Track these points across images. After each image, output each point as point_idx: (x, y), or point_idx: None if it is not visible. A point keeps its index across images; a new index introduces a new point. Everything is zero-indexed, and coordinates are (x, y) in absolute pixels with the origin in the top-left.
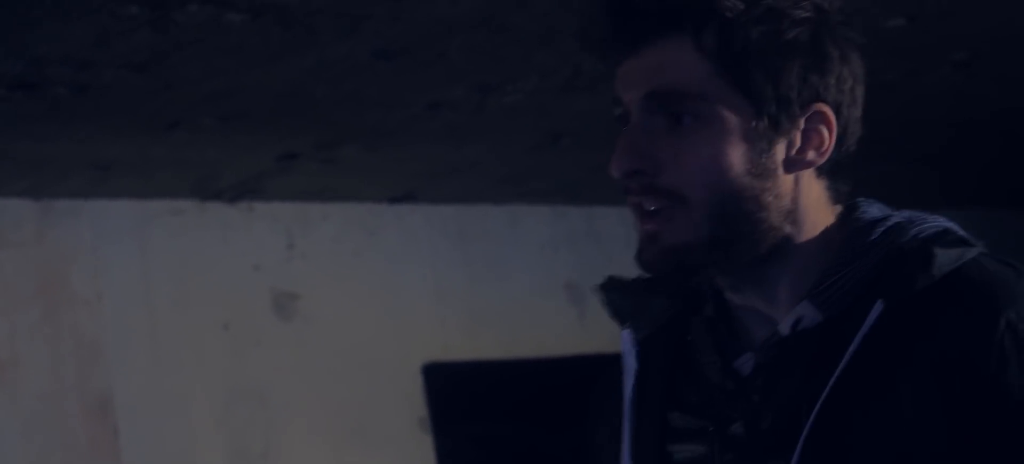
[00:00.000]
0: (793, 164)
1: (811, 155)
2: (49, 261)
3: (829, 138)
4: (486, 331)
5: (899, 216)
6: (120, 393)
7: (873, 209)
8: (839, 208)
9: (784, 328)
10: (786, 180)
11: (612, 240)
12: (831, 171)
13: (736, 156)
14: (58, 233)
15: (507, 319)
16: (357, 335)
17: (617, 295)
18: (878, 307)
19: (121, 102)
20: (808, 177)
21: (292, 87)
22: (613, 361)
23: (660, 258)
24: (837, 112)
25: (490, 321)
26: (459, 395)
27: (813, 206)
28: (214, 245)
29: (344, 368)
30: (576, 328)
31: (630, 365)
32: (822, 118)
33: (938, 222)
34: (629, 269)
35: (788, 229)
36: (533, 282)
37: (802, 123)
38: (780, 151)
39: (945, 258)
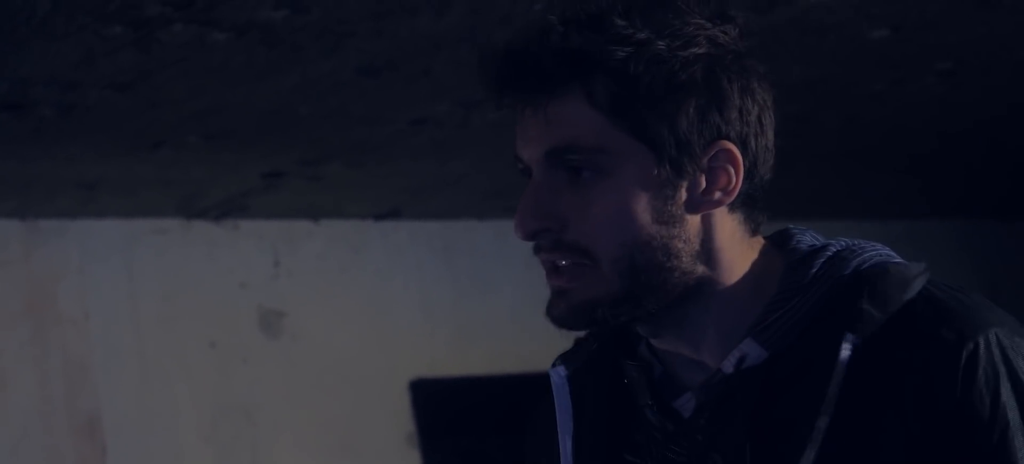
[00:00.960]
0: (700, 205)
1: (718, 195)
2: (36, 281)
3: (735, 175)
4: (473, 347)
5: (837, 245)
6: (108, 411)
7: (806, 237)
8: (759, 240)
9: (727, 366)
10: (694, 222)
11: None
12: (745, 204)
13: (640, 206)
14: (45, 253)
15: (494, 334)
16: (344, 352)
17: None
18: (849, 343)
19: (106, 122)
20: (719, 215)
21: (277, 105)
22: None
23: (569, 314)
24: (743, 146)
25: (477, 337)
26: (446, 411)
27: (728, 243)
28: (200, 263)
29: (331, 385)
30: (563, 343)
31: (564, 403)
32: (727, 156)
33: (878, 250)
34: None
35: (702, 270)
36: (520, 297)
37: (705, 163)
38: (684, 194)
39: (896, 292)
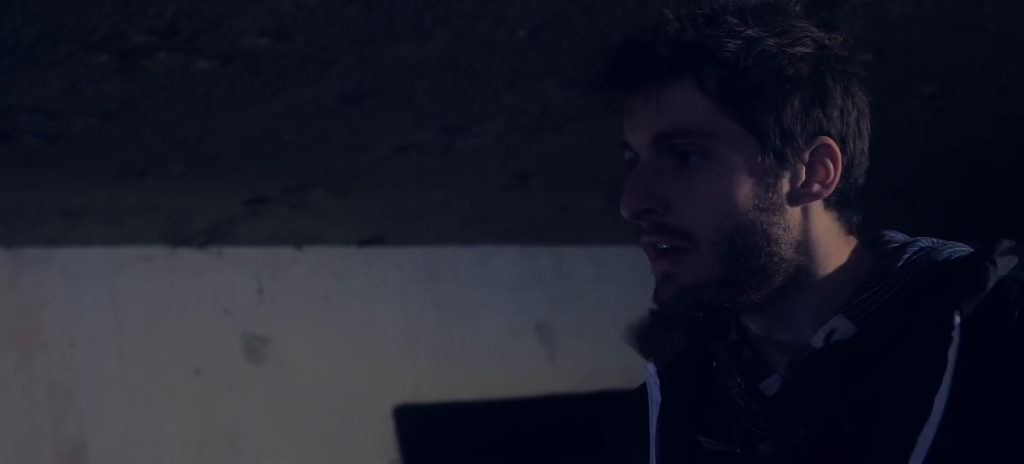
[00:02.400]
0: (800, 197)
1: (817, 187)
2: (21, 308)
3: (834, 170)
4: (457, 373)
5: (926, 241)
6: (94, 439)
7: (899, 236)
8: (853, 239)
9: (817, 340)
10: (794, 213)
11: (582, 280)
12: (839, 203)
13: (743, 192)
14: (30, 281)
15: (478, 360)
16: (328, 378)
17: (638, 334)
18: (958, 319)
19: (91, 150)
20: (816, 209)
21: (260, 132)
22: (612, 397)
23: (676, 298)
24: (842, 144)
25: (461, 363)
26: (430, 437)
27: (824, 237)
28: (185, 290)
29: (316, 411)
30: (546, 369)
31: (654, 397)
32: (827, 151)
33: (965, 247)
34: (597, 310)
35: (801, 260)
36: (503, 323)
37: (807, 156)
38: (786, 185)
39: (990, 274)
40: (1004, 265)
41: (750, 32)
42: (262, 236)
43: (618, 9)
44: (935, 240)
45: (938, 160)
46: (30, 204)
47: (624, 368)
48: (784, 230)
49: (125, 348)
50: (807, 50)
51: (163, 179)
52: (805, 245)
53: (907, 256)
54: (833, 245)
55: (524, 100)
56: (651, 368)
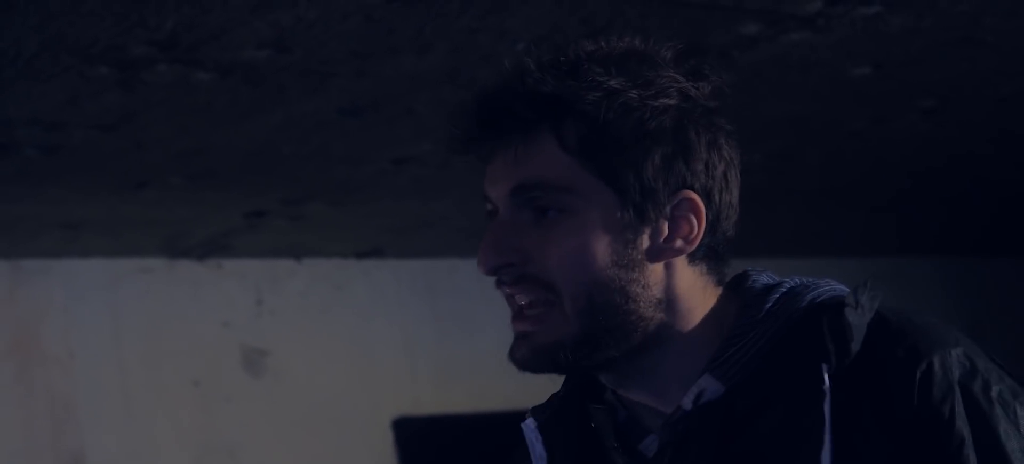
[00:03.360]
0: (661, 253)
1: (679, 243)
2: (21, 320)
3: (698, 226)
4: (456, 385)
5: (791, 282)
6: (93, 450)
7: (763, 277)
8: (720, 288)
9: (686, 402)
10: (655, 269)
11: None
12: (706, 256)
13: (601, 247)
14: (29, 293)
15: (477, 373)
16: (327, 390)
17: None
18: (825, 373)
19: (91, 162)
20: (681, 264)
21: (260, 145)
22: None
23: (532, 357)
24: (707, 199)
25: (460, 375)
26: (429, 449)
27: (687, 293)
28: (184, 302)
29: (314, 423)
30: (546, 381)
31: (538, 451)
32: (690, 206)
33: (830, 286)
34: None
35: (661, 317)
36: (503, 336)
37: (669, 211)
38: (646, 240)
39: (858, 321)
40: (870, 305)
41: (612, 83)
42: (261, 248)
43: (618, 22)
44: (798, 280)
45: (935, 174)
46: (30, 216)
47: None
48: (643, 287)
49: (124, 360)
50: (671, 102)
51: (162, 191)
52: (666, 302)
53: (769, 306)
54: (697, 300)
55: None
56: (531, 423)
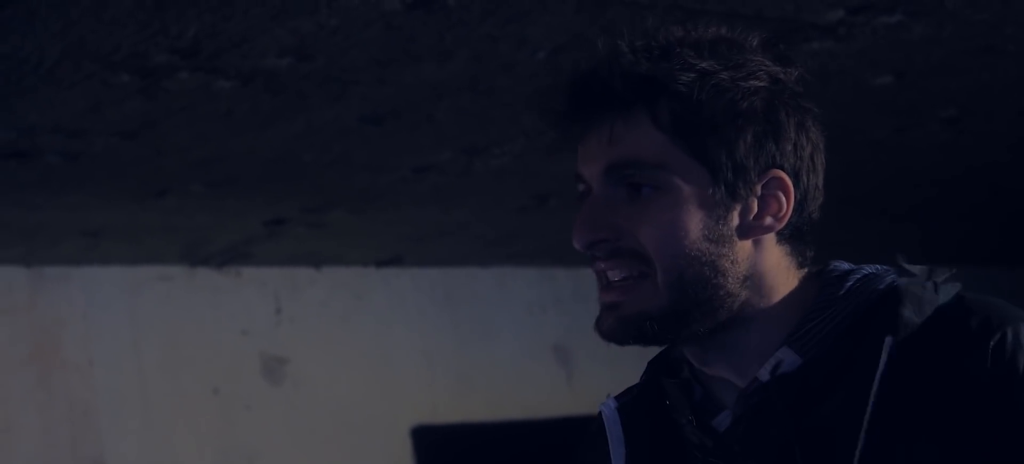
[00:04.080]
0: (751, 230)
1: (768, 221)
2: (41, 327)
3: (787, 204)
4: (474, 393)
5: (870, 268)
6: (112, 457)
7: (843, 265)
8: (803, 271)
9: (764, 374)
10: (744, 246)
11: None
12: (792, 236)
13: (693, 223)
14: (50, 299)
15: (495, 381)
16: (346, 398)
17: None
18: (889, 343)
19: (112, 169)
20: (768, 242)
21: (280, 152)
22: (589, 425)
23: (618, 327)
24: (795, 179)
25: (478, 383)
26: (448, 457)
27: (773, 271)
28: (203, 310)
29: (333, 431)
30: (564, 390)
31: (616, 433)
32: (779, 184)
33: (909, 273)
34: None
35: (746, 294)
36: (521, 344)
37: (759, 190)
38: (737, 217)
39: (930, 297)
40: (945, 292)
41: (704, 65)
42: (281, 256)
43: (638, 30)
44: (879, 267)
45: (956, 183)
46: (51, 223)
47: None
48: (732, 263)
49: (144, 367)
50: (761, 84)
51: (183, 199)
52: (752, 278)
53: (849, 284)
54: (781, 279)
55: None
56: (611, 404)
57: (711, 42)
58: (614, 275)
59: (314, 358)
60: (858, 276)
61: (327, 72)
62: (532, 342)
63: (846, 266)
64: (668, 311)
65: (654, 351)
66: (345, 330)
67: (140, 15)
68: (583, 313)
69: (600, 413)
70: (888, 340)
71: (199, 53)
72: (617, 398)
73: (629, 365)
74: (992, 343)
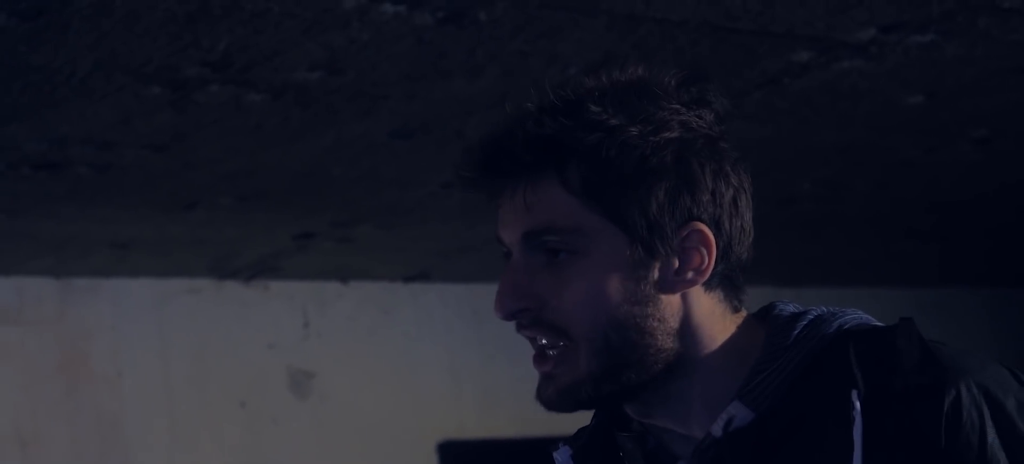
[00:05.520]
0: (674, 285)
1: (691, 275)
2: (70, 339)
3: (708, 256)
4: (500, 409)
5: (816, 311)
6: None
7: (789, 307)
8: (742, 313)
9: (716, 429)
10: (671, 301)
11: None
12: (722, 284)
13: (613, 286)
14: (78, 311)
15: (521, 398)
16: (373, 413)
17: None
18: (856, 400)
19: (141, 182)
20: (695, 293)
21: (310, 166)
22: None
23: (557, 397)
24: (716, 228)
25: (505, 399)
26: None
27: (707, 321)
28: (231, 324)
29: (360, 446)
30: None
31: None
32: (699, 237)
33: (857, 314)
34: None
35: (679, 347)
36: None
37: (678, 244)
38: (656, 274)
39: (882, 348)
40: (916, 337)
41: (612, 121)
42: (308, 271)
43: (669, 48)
44: (824, 309)
45: (983, 203)
46: (80, 235)
47: None
48: (659, 321)
49: (171, 380)
50: (672, 135)
51: (212, 212)
52: (684, 331)
53: (796, 332)
54: (717, 327)
55: None
56: (566, 451)
57: (620, 92)
58: (540, 339)
59: (341, 372)
60: (804, 322)
61: (357, 86)
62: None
63: (792, 308)
64: (599, 375)
65: None
66: (372, 345)
67: (172, 28)
68: None
69: (553, 459)
70: (854, 395)
71: (230, 66)
72: (570, 443)
73: None
74: (947, 404)
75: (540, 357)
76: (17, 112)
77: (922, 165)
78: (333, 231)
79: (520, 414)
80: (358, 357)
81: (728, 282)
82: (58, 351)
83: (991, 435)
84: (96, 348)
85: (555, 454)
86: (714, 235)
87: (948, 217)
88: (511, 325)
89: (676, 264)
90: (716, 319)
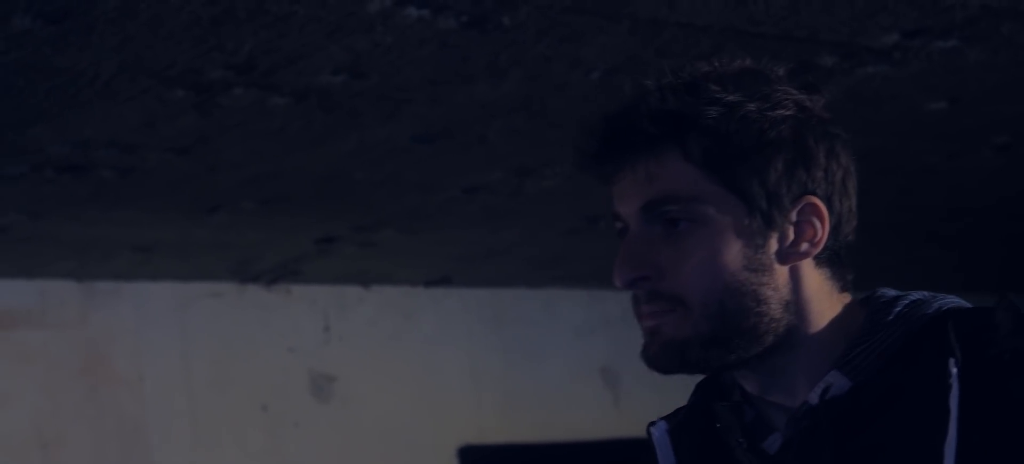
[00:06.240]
0: (788, 256)
1: (805, 246)
2: (92, 342)
3: (821, 229)
4: (521, 415)
5: (917, 294)
6: None
7: (889, 292)
8: (846, 296)
9: (813, 397)
10: (783, 272)
11: None
12: (829, 261)
13: (732, 253)
14: (101, 314)
15: (542, 403)
16: (393, 417)
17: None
18: (954, 368)
19: (164, 185)
20: (806, 267)
21: (333, 170)
22: (643, 448)
23: (661, 353)
24: (828, 204)
25: (525, 405)
26: None
27: (815, 295)
28: (252, 327)
29: (381, 450)
30: (611, 412)
31: (667, 455)
32: (813, 210)
33: (956, 299)
34: None
35: (791, 319)
36: (568, 366)
37: (793, 216)
38: (774, 244)
39: (981, 325)
40: (989, 317)
41: (731, 98)
42: (330, 275)
43: (692, 53)
44: (926, 293)
45: (1004, 209)
46: (102, 238)
47: None
48: (773, 290)
49: (193, 383)
50: (788, 113)
51: (234, 215)
52: (795, 304)
53: (898, 309)
54: (825, 303)
55: None
56: (662, 426)
57: (737, 75)
58: (652, 308)
59: (362, 376)
60: (906, 302)
61: (380, 90)
62: (579, 364)
63: (893, 293)
64: (708, 339)
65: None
66: (393, 349)
67: (196, 31)
68: (631, 336)
69: (649, 435)
70: (951, 363)
71: (254, 69)
72: (666, 420)
73: (676, 389)
74: None
75: (647, 315)
76: (41, 114)
77: (944, 171)
78: (355, 235)
79: (541, 419)
80: (379, 361)
81: (836, 260)
82: (80, 354)
83: None
84: (118, 351)
85: (652, 428)
86: (827, 210)
87: (970, 223)
88: (532, 331)
89: (791, 236)
90: (824, 295)
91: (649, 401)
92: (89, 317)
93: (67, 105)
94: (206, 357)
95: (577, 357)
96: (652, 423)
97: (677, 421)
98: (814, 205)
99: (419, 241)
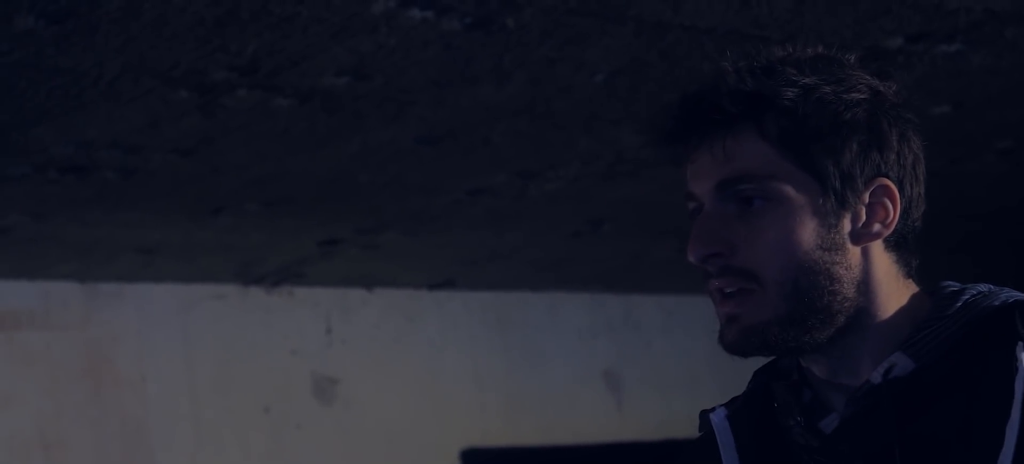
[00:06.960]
0: (860, 236)
1: (877, 228)
2: (94, 343)
3: (893, 211)
4: (524, 417)
5: (982, 286)
6: None
7: (955, 284)
8: (912, 283)
9: (875, 376)
10: (855, 253)
11: (650, 328)
12: (898, 244)
13: (806, 232)
14: (103, 316)
15: (545, 406)
16: (396, 420)
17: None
18: (1020, 351)
19: (168, 186)
20: (876, 249)
21: (336, 172)
22: (679, 446)
23: (741, 338)
24: (900, 187)
25: (528, 408)
26: None
27: (884, 278)
28: (255, 329)
29: (383, 452)
30: (614, 415)
31: (728, 441)
32: (885, 192)
33: (1018, 293)
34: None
35: (861, 301)
36: (571, 369)
37: (866, 197)
38: (847, 224)
39: None
40: None
41: (807, 80)
42: (333, 277)
43: (696, 55)
44: (991, 286)
45: (1008, 214)
46: (105, 239)
47: (692, 417)
48: (846, 269)
49: (196, 385)
50: (862, 96)
51: (237, 217)
52: (866, 285)
53: (965, 298)
54: (893, 286)
55: (599, 145)
56: (721, 412)
57: (811, 60)
58: (727, 288)
59: (365, 379)
60: (973, 292)
61: (384, 92)
62: (582, 367)
63: (958, 285)
64: (786, 319)
65: (754, 363)
66: (396, 352)
67: (200, 32)
68: (634, 340)
69: (708, 421)
70: (1019, 347)
71: (258, 71)
72: (725, 407)
73: (679, 392)
74: None
75: (723, 299)
76: (44, 115)
77: (947, 175)
78: (358, 238)
79: (544, 422)
80: (382, 364)
81: (905, 244)
82: (83, 356)
83: None
84: (121, 353)
85: (711, 415)
86: (899, 193)
87: (972, 228)
88: (535, 334)
89: (863, 216)
90: (892, 279)
91: (651, 405)
92: (92, 319)
93: (70, 106)
94: (209, 359)
95: (580, 360)
96: (708, 410)
97: (735, 407)
98: (887, 187)
99: (422, 244)
